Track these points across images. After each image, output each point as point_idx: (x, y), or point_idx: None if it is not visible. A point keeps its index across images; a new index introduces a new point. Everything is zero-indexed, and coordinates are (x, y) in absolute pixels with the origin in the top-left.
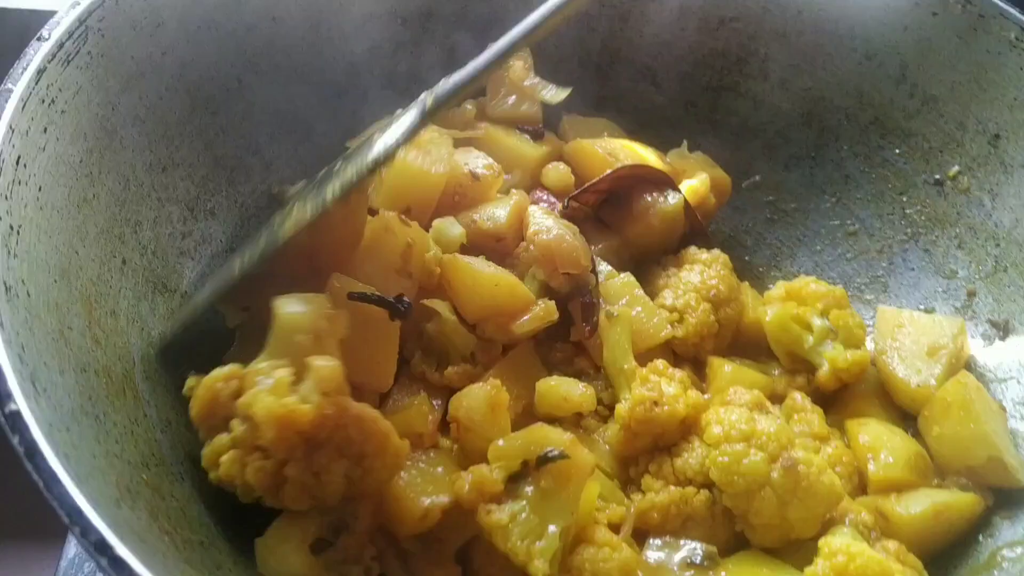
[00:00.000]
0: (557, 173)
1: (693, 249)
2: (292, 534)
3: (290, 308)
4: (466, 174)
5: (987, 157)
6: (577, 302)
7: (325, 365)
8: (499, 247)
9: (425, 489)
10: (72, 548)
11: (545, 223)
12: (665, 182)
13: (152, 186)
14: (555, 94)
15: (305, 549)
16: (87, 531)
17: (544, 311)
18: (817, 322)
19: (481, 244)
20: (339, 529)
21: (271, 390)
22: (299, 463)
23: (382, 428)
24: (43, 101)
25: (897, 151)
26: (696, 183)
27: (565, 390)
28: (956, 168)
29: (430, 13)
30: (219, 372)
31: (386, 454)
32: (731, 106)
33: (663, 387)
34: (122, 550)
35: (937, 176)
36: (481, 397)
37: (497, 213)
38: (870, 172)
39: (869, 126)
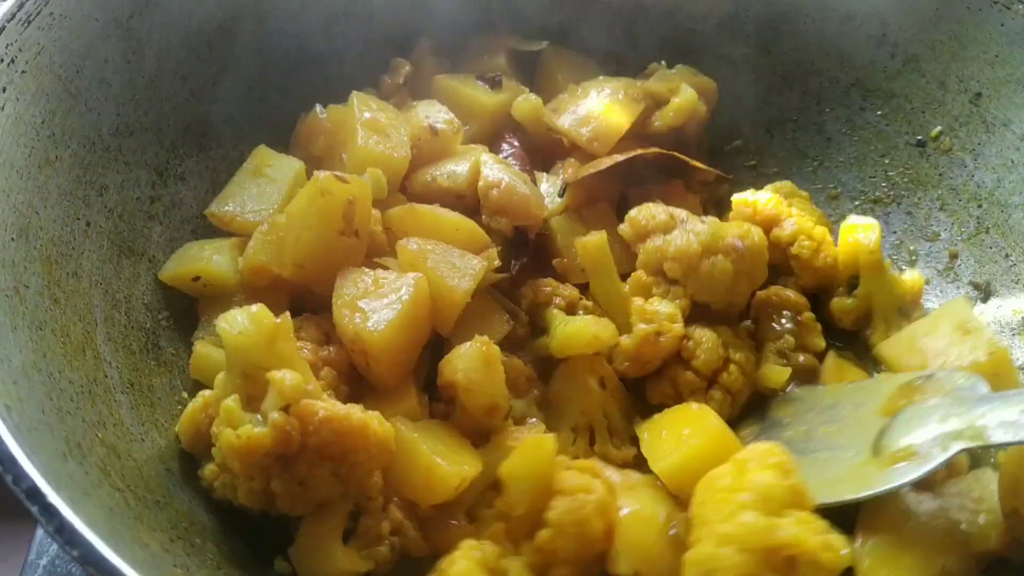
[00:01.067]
0: (528, 104)
1: None
2: (324, 532)
3: (234, 327)
4: (425, 128)
5: (969, 116)
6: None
7: (282, 378)
8: (460, 204)
9: (452, 459)
10: None
11: (496, 175)
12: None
13: (119, 149)
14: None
15: (341, 543)
16: (19, 479)
17: (487, 257)
18: None
19: (440, 201)
20: (356, 514)
21: (225, 422)
22: (281, 478)
23: (355, 424)
24: (2, 60)
25: (879, 112)
26: (680, 100)
27: (595, 329)
28: (938, 128)
29: None
30: (195, 403)
31: (369, 446)
32: (710, 69)
33: (658, 311)
34: (54, 498)
35: (919, 137)
36: (474, 356)
37: (457, 170)
38: (852, 134)
39: (851, 88)
